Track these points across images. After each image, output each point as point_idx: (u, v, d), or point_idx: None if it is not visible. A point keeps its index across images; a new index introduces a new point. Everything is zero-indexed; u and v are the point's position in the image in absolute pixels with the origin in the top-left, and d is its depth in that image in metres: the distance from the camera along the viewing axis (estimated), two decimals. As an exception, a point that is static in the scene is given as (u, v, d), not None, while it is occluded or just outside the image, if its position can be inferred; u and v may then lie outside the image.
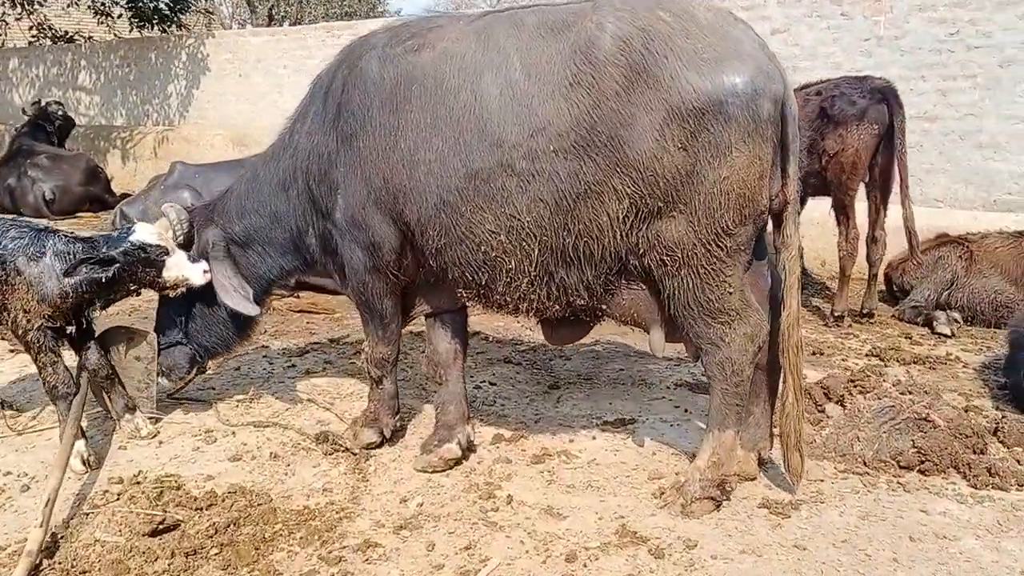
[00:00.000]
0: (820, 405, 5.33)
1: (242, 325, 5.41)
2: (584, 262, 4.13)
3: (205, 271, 4.99)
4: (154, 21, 21.04)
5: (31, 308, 4.73)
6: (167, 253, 4.89)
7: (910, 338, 7.15)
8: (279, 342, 7.17)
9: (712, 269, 4.02)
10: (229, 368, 6.46)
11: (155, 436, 5.24)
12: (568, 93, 3.88)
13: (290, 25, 32.66)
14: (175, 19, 21.61)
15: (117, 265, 4.77)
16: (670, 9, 3.91)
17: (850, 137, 7.24)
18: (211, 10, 27.11)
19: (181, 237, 5.12)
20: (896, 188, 7.36)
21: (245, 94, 15.90)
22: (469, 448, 5.00)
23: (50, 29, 22.21)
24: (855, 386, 5.35)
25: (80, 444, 4.78)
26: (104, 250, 4.78)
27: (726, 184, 3.85)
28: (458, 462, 4.88)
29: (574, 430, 5.35)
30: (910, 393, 5.29)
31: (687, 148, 3.81)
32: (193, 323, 5.41)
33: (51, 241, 4.81)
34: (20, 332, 4.81)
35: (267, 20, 35.49)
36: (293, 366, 6.52)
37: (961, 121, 9.36)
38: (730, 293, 4.09)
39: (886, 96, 7.12)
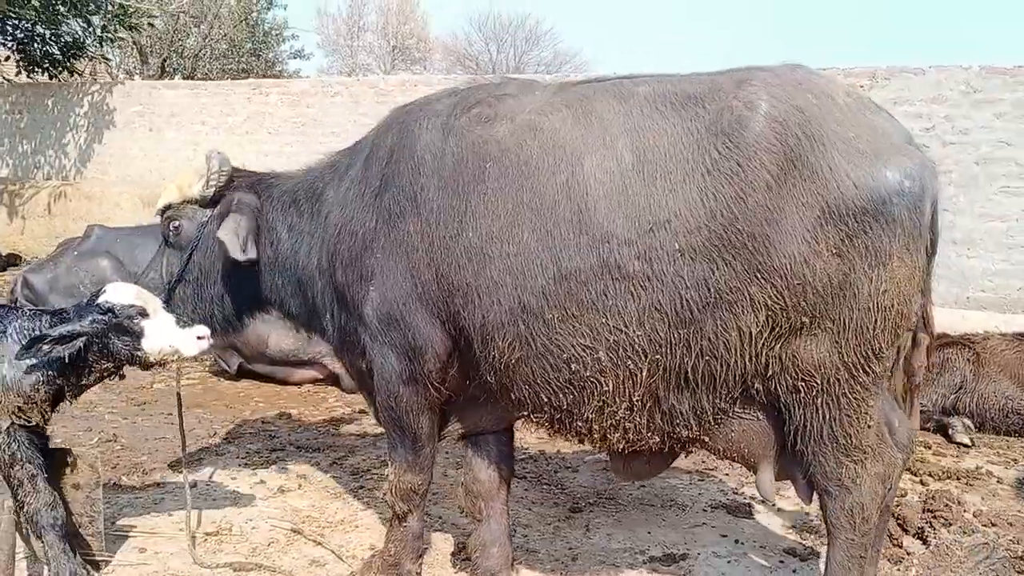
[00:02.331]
0: (896, 539, 4.69)
1: (228, 315, 4.43)
2: (702, 386, 3.37)
3: (200, 337, 3.89)
4: (44, 66, 19.41)
5: None
6: (144, 316, 3.79)
7: (930, 448, 6.67)
8: (235, 448, 6.04)
9: (854, 398, 3.33)
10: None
11: (103, 586, 4.10)
12: (703, 182, 3.17)
13: (183, 79, 31.19)
14: (67, 65, 20.02)
15: (82, 340, 3.67)
16: (811, 90, 3.28)
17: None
18: (108, 58, 25.41)
19: (212, 189, 4.16)
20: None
21: (155, 150, 14.56)
22: (509, 600, 4.10)
23: (-73, 69, 20.16)
24: (934, 516, 4.75)
25: None
26: (72, 322, 3.71)
27: (884, 298, 3.19)
28: (500, 619, 3.98)
29: (620, 570, 4.52)
30: (994, 525, 4.73)
31: (842, 254, 3.14)
32: (188, 286, 4.36)
33: (10, 319, 3.76)
34: None
35: (159, 72, 33.92)
36: (262, 482, 5.41)
37: (936, 216, 9.24)
38: (869, 427, 3.41)
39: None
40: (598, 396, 3.46)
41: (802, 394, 3.33)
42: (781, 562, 4.66)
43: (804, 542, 4.87)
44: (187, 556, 4.36)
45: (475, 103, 3.69)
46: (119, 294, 3.81)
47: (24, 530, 4.03)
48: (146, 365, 3.93)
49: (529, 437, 6.49)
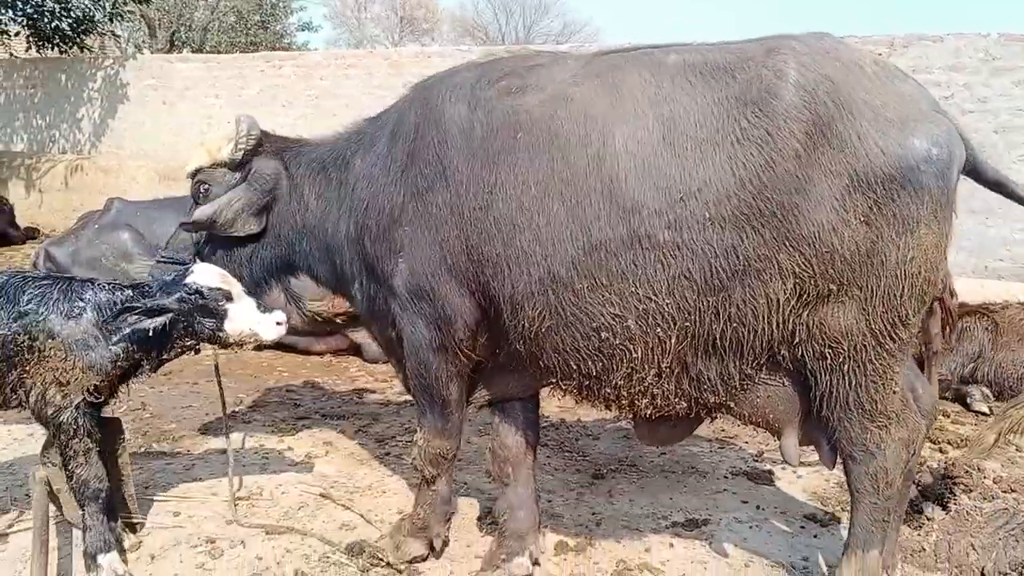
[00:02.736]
0: (918, 505, 4.76)
1: (255, 277, 4.49)
2: (730, 352, 3.43)
3: (279, 323, 3.98)
4: (55, 41, 19.40)
5: (71, 379, 3.72)
6: (230, 300, 3.90)
7: (948, 416, 6.73)
8: (262, 416, 6.15)
9: (880, 364, 3.38)
10: (213, 449, 5.43)
11: (137, 548, 4.20)
12: (733, 151, 3.20)
13: (192, 52, 31.09)
14: (77, 40, 20.00)
15: (169, 315, 3.77)
16: (839, 59, 3.30)
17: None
18: (118, 33, 25.32)
19: (240, 153, 4.23)
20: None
21: (169, 124, 14.59)
22: (536, 562, 4.19)
23: (-63, 44, 20.17)
24: (954, 483, 4.81)
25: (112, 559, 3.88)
26: (156, 297, 3.81)
27: (911, 266, 3.23)
28: (527, 581, 4.07)
29: (644, 535, 4.59)
30: (1014, 491, 4.79)
31: (870, 221, 3.18)
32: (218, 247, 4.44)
33: (88, 293, 3.83)
34: (51, 412, 3.76)
35: (168, 46, 33.84)
36: (290, 449, 5.52)
37: (953, 186, 9.24)
38: (894, 392, 3.46)
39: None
40: (627, 363, 3.52)
41: (829, 360, 3.38)
42: (802, 527, 4.73)
43: (825, 508, 4.94)
44: (220, 520, 4.47)
45: (504, 74, 3.71)
46: (207, 276, 3.90)
47: (57, 498, 4.14)
48: (224, 345, 4.08)
49: (550, 406, 6.56)
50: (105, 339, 3.77)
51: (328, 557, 4.21)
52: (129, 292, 3.88)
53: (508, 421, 4.20)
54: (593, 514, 4.83)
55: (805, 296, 3.28)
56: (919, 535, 4.56)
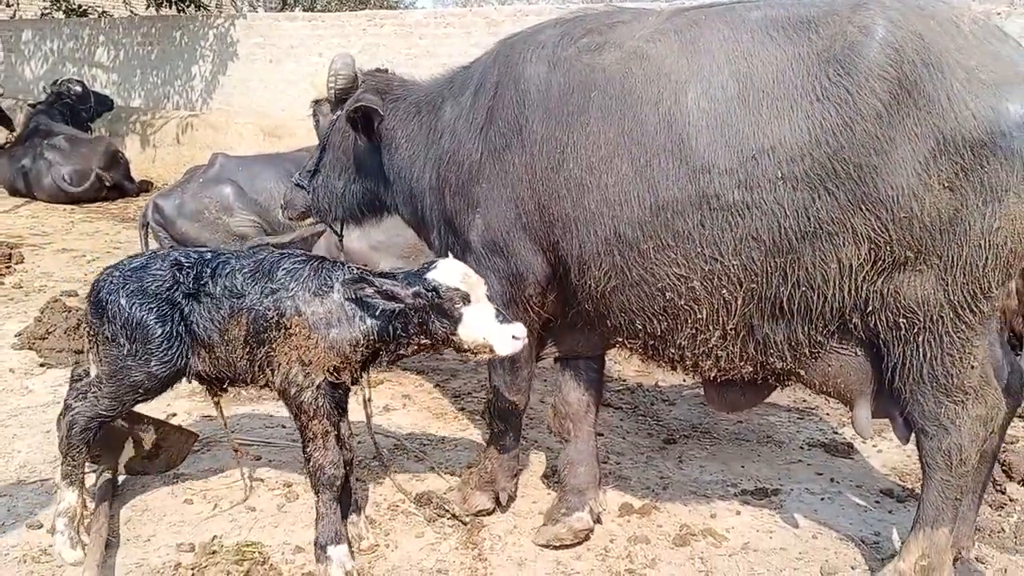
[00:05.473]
0: (1000, 485, 4.58)
1: (348, 209, 4.70)
2: (798, 317, 3.35)
3: (516, 337, 3.55)
4: (172, 0, 20.15)
5: (314, 359, 3.67)
6: (466, 302, 3.60)
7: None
8: (344, 367, 6.34)
9: (959, 337, 3.24)
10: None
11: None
12: (810, 109, 3.09)
13: (303, 11, 31.70)
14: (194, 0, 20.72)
15: (400, 305, 3.60)
16: (933, 16, 3.14)
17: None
18: (231, -8, 26.11)
19: (333, 91, 4.40)
20: None
21: (274, 81, 14.98)
22: (597, 520, 4.22)
23: (64, 2, 21.23)
24: (1043, 465, 4.60)
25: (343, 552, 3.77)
26: (399, 286, 3.62)
27: (997, 236, 3.06)
28: (587, 536, 4.11)
29: (711, 501, 4.57)
30: (1107, 477, 4.55)
31: (954, 187, 3.03)
32: (320, 177, 4.68)
33: (338, 274, 3.76)
34: (293, 392, 3.70)
35: (280, 5, 34.60)
36: (369, 400, 5.67)
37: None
38: (972, 367, 3.32)
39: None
40: (691, 324, 3.49)
41: (903, 331, 3.27)
42: (877, 502, 4.61)
43: (903, 484, 4.80)
44: (297, 465, 4.64)
45: (585, 32, 3.68)
46: (448, 274, 3.62)
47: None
48: (459, 350, 3.75)
49: (627, 369, 6.56)
50: (348, 322, 3.67)
51: (397, 506, 4.35)
52: (374, 279, 3.67)
53: (572, 378, 4.23)
54: (661, 478, 4.83)
55: (880, 263, 3.17)
56: (999, 515, 4.40)
